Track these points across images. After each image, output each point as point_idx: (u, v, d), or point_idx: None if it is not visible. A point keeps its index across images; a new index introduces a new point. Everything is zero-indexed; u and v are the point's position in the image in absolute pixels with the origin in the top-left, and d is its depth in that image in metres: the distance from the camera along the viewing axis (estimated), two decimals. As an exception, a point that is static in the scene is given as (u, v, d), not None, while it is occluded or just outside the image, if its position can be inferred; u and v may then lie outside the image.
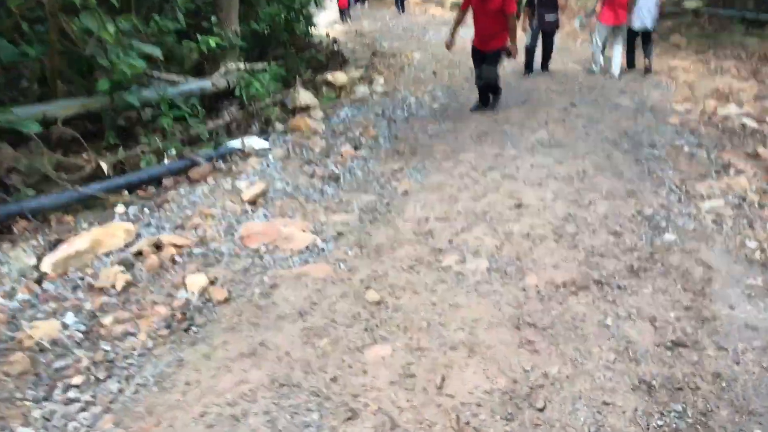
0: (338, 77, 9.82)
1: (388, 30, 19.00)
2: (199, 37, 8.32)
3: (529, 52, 10.29)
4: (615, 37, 10.22)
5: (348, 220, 4.82)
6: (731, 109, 8.11)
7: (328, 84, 9.75)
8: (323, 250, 4.32)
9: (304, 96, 8.71)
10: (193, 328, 3.39)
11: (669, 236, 4.47)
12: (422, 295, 3.63)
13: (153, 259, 4.05)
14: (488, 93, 8.20)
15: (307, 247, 4.31)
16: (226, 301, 3.65)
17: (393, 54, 13.04)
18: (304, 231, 4.58)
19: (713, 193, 5.32)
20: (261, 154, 6.54)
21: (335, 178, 5.78)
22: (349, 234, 4.58)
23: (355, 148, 6.72)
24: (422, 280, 3.84)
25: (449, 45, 7.97)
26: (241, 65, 8.79)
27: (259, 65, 9.29)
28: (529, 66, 10.50)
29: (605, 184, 5.46)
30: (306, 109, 8.58)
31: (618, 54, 10.23)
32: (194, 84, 7.59)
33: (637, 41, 10.43)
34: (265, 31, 9.54)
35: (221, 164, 6.20)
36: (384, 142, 7.01)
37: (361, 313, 3.43)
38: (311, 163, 6.17)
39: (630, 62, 10.70)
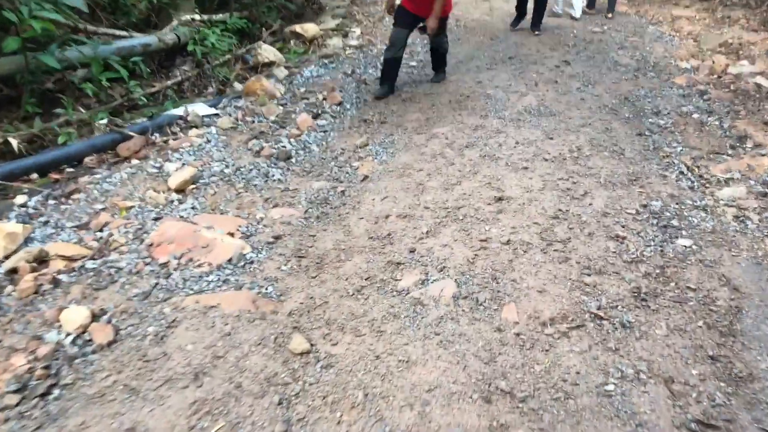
0: (309, 29, 8.64)
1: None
2: (147, -17, 7.16)
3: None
4: None
5: (291, 217, 3.84)
6: (743, 66, 7.06)
7: (298, 36, 8.59)
8: (251, 262, 3.35)
9: (267, 51, 7.58)
10: (55, 392, 2.45)
11: (683, 241, 3.52)
12: (365, 341, 2.68)
13: (28, 281, 3.08)
14: (393, 73, 6.29)
15: (230, 260, 3.33)
16: (110, 345, 2.70)
17: (374, 0, 11.77)
18: (232, 234, 3.60)
19: (732, 178, 4.36)
20: (207, 122, 5.50)
21: (286, 157, 4.76)
22: (288, 238, 3.61)
23: (316, 116, 5.67)
24: (369, 312, 2.89)
25: (390, 8, 6.34)
26: (197, 16, 7.63)
27: (219, 16, 8.12)
28: (520, 14, 8.98)
29: (604, 165, 4.47)
30: (269, 65, 7.48)
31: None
32: (135, 40, 6.45)
33: None
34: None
35: (158, 137, 5.16)
36: (350, 109, 5.96)
37: (280, 374, 2.48)
38: (261, 136, 5.13)
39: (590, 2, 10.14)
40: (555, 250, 3.38)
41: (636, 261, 3.31)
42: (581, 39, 8.35)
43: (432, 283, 3.10)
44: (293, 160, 4.76)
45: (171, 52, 7.25)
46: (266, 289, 3.09)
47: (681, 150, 4.86)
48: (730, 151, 4.85)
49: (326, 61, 7.54)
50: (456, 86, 6.41)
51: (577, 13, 9.71)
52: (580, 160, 4.55)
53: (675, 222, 3.73)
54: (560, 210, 3.81)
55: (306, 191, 4.19)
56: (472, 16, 9.94)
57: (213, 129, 5.22)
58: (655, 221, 3.73)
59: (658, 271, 3.23)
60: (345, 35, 9.07)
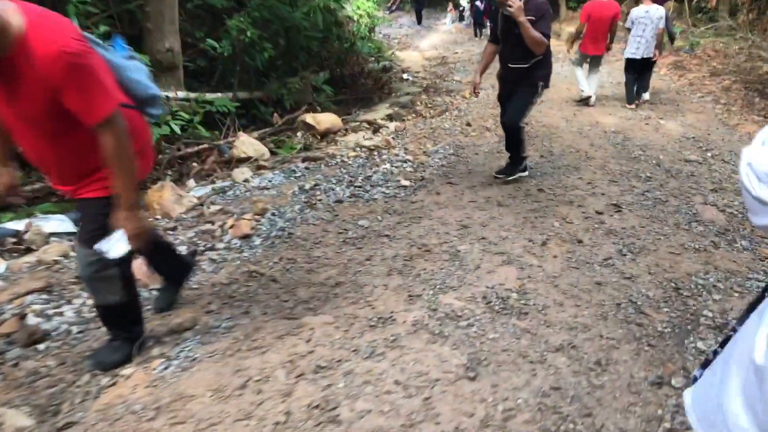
0: (322, 120, 6.75)
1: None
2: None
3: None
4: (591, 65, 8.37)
5: None
6: None
7: (309, 128, 6.71)
8: None
9: (245, 144, 5.78)
10: None
11: None
12: None
13: None
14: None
15: None
16: None
17: (450, 90, 9.70)
18: None
19: None
20: (59, 241, 3.73)
21: (29, 342, 2.78)
22: None
23: (193, 254, 3.68)
24: None
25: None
26: (179, 94, 6.02)
27: (217, 96, 6.46)
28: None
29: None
30: (245, 161, 5.66)
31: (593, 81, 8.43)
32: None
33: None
34: (226, 53, 6.59)
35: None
36: (257, 247, 3.91)
37: None
38: (54, 288, 3.22)
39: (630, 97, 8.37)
40: None
41: None
42: (664, 169, 5.67)
43: None
44: (44, 345, 2.77)
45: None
46: None
47: None
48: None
49: (306, 165, 5.54)
50: (428, 229, 4.14)
51: (589, 92, 8.29)
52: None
53: None
54: None
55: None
56: (554, 120, 7.52)
57: (2, 266, 3.39)
58: None
59: None
60: (376, 130, 7.05)
